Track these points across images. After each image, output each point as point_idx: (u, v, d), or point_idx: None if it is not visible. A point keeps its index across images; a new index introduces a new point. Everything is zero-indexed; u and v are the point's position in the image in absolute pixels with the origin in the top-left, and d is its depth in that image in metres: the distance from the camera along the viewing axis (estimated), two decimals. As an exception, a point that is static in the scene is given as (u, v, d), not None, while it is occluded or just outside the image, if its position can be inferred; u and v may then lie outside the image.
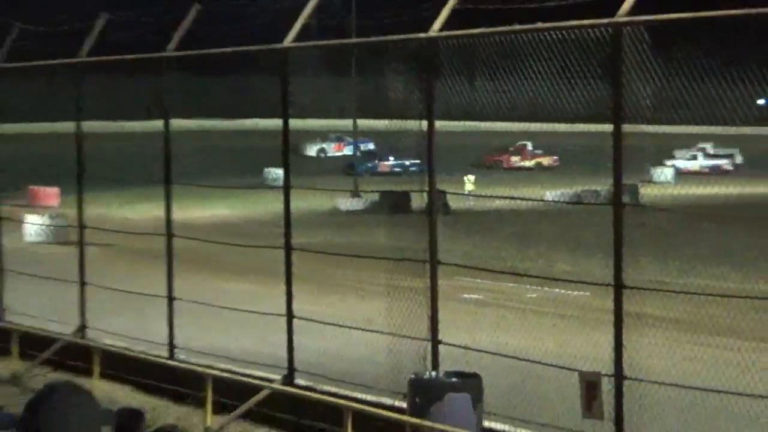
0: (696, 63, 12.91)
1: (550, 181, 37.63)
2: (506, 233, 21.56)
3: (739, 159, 55.27)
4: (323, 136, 60.70)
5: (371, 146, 55.18)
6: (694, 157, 53.34)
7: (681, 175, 46.33)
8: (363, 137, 55.46)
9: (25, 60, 21.82)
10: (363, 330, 15.77)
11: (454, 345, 13.99)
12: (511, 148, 48.32)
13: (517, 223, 25.18)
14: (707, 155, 54.70)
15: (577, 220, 19.97)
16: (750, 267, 21.11)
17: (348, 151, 59.22)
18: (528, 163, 44.89)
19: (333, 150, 62.74)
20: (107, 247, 20.70)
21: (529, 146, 51.06)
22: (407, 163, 34.36)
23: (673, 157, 47.95)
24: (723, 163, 54.53)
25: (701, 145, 54.80)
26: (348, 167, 45.05)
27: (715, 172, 49.08)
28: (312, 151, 50.55)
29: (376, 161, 40.00)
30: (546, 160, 48.37)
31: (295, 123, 17.43)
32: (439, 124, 15.01)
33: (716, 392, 12.00)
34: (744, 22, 12.44)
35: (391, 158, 34.72)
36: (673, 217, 23.78)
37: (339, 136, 62.65)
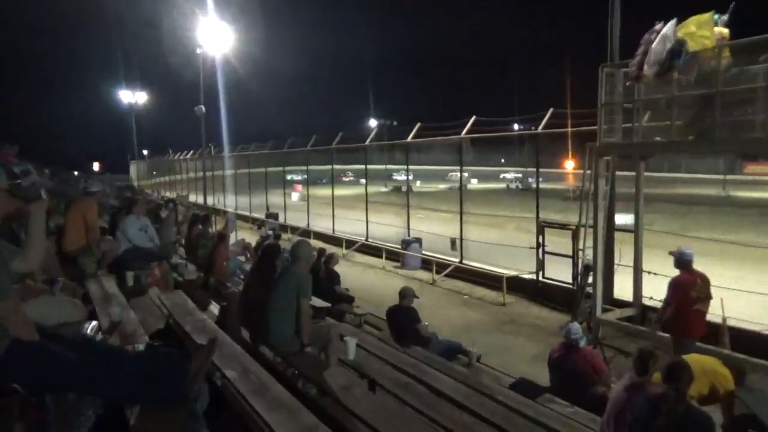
0: (483, 149, 14.93)
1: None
2: (427, 196, 21.98)
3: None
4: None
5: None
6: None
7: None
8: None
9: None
10: (388, 225, 16.54)
11: (414, 229, 15.36)
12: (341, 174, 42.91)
13: (432, 194, 25.09)
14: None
15: (447, 194, 21.02)
16: (508, 207, 20.79)
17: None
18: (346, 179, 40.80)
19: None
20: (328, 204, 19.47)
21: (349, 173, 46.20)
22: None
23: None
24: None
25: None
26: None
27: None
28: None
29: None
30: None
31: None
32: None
33: (497, 245, 12.73)
34: (500, 138, 13.67)
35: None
36: (476, 193, 24.39)
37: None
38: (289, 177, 28.93)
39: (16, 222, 2.92)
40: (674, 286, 6.30)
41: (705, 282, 6.25)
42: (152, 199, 22.41)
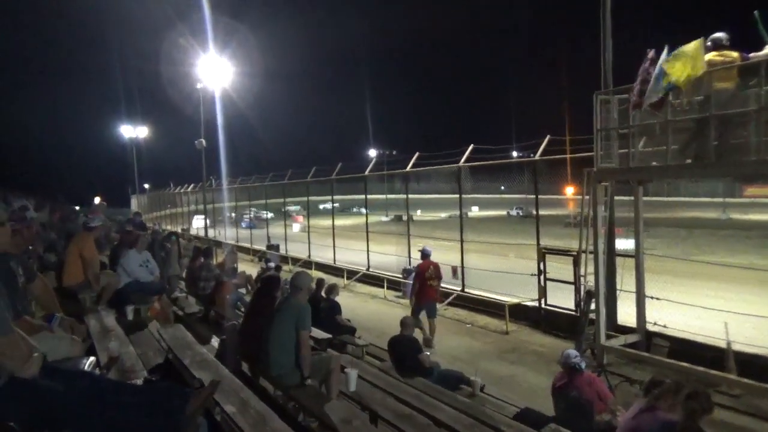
0: (480, 177, 14.30)
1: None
2: (424, 224, 21.36)
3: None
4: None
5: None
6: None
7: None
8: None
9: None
10: (386, 254, 16.49)
11: (415, 258, 13.99)
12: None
13: (432, 223, 24.91)
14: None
15: (448, 223, 20.89)
16: (503, 234, 18.06)
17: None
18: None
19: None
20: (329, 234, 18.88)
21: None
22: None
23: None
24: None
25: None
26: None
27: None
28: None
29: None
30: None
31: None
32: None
33: (498, 272, 12.41)
34: (496, 166, 13.13)
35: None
36: (476, 221, 24.24)
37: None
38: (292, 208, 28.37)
39: (15, 258, 2.94)
40: (416, 269, 10.46)
41: (435, 268, 10.27)
42: (157, 230, 22.49)
